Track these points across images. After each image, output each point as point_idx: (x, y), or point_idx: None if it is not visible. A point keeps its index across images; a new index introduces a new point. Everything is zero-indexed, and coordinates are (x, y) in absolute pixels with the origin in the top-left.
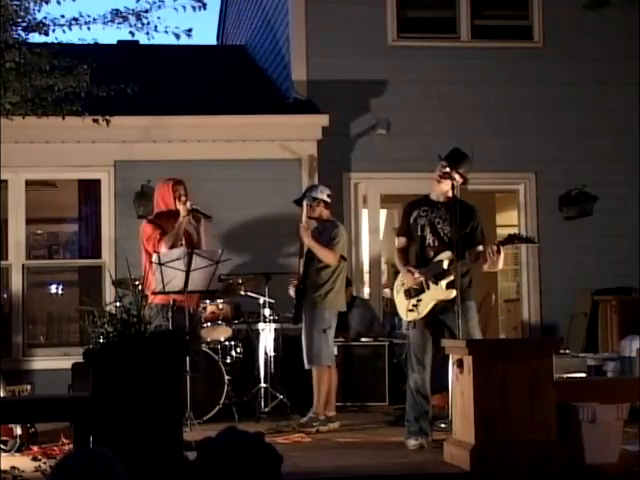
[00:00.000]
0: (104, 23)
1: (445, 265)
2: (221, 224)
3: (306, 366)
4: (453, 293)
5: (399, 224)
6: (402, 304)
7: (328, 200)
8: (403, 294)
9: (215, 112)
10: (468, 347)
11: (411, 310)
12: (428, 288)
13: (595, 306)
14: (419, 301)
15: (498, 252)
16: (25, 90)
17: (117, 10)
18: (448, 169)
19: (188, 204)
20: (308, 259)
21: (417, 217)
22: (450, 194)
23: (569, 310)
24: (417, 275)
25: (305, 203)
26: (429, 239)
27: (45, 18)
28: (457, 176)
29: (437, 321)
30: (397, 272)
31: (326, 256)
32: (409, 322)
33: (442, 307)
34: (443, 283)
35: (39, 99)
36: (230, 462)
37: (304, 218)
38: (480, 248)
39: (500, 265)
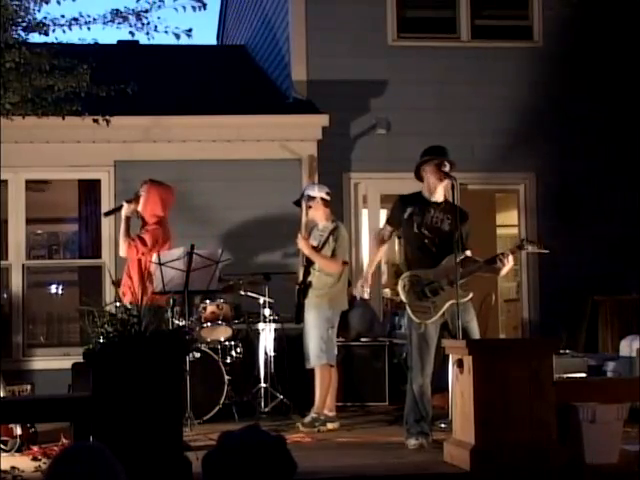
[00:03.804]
0: (104, 23)
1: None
2: (221, 224)
3: (308, 365)
4: (469, 295)
5: (390, 213)
6: (414, 305)
7: (327, 198)
8: (414, 295)
9: (215, 112)
10: (468, 347)
11: (426, 312)
12: (443, 290)
13: (595, 306)
14: (434, 303)
15: (508, 262)
16: (25, 90)
17: (117, 10)
18: (448, 167)
19: None
20: (309, 258)
21: (413, 214)
22: (449, 194)
23: (569, 310)
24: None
25: (303, 204)
26: (428, 238)
27: (45, 18)
28: (449, 165)
29: (444, 324)
30: (397, 272)
31: (328, 266)
32: (419, 324)
33: (451, 309)
34: None
35: (39, 99)
36: (247, 459)
37: (303, 220)
38: (468, 253)
39: (505, 272)
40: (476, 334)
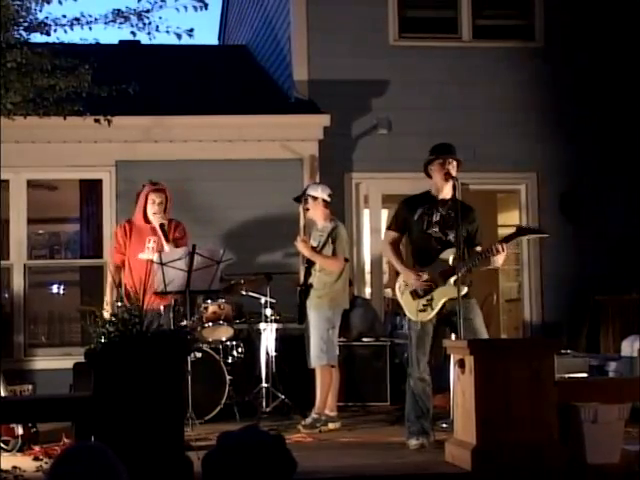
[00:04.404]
0: (105, 23)
1: (450, 262)
2: (222, 224)
3: (310, 366)
4: (464, 290)
5: (394, 218)
6: (410, 305)
7: (328, 199)
8: (409, 295)
9: (216, 112)
10: (470, 347)
11: (422, 310)
12: (437, 287)
13: (596, 306)
14: (429, 300)
15: (502, 250)
16: (27, 90)
17: (118, 10)
18: (454, 165)
19: (155, 218)
20: (310, 259)
21: (422, 214)
22: (453, 193)
23: (570, 310)
24: (425, 277)
25: (302, 204)
26: (436, 236)
27: (47, 18)
28: (455, 163)
29: (443, 320)
30: (398, 272)
31: (330, 265)
32: (415, 322)
33: (450, 305)
34: (452, 281)
35: (41, 99)
36: (246, 458)
37: (302, 221)
38: (478, 249)
39: (500, 262)
40: (481, 330)
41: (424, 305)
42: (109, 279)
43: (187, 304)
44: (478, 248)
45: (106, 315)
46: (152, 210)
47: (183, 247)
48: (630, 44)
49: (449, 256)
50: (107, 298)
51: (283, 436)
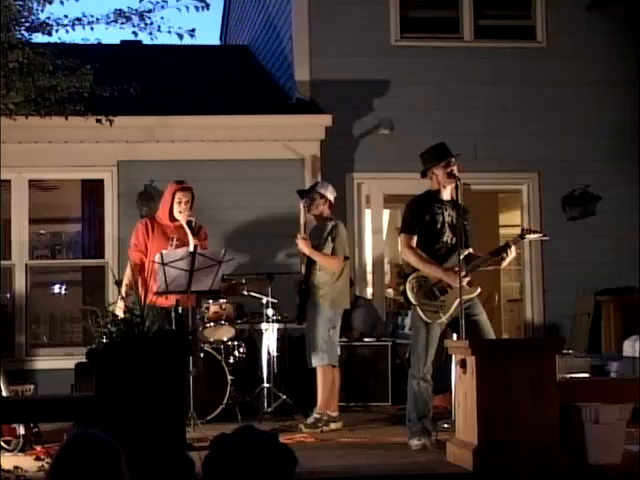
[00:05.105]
0: (107, 23)
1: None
2: (224, 224)
3: (310, 365)
4: (477, 290)
5: (410, 219)
6: (425, 305)
7: (332, 200)
8: (424, 294)
9: (218, 112)
10: (471, 347)
11: (437, 312)
12: (451, 288)
13: (598, 306)
14: (443, 302)
15: (514, 253)
16: (28, 90)
17: (120, 10)
18: (455, 164)
19: (182, 216)
20: (310, 258)
21: (435, 214)
22: (453, 193)
23: (572, 310)
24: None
25: (303, 202)
26: (446, 236)
27: (48, 18)
28: (456, 167)
29: (450, 321)
30: (400, 272)
31: (329, 263)
32: (428, 323)
33: (459, 306)
34: (465, 281)
35: (42, 99)
36: (241, 459)
37: (302, 219)
38: (471, 250)
39: (506, 264)
40: (488, 327)
41: (440, 306)
42: (126, 280)
43: (189, 304)
44: (470, 249)
45: (118, 311)
46: (179, 209)
47: (185, 247)
48: (630, 44)
49: (457, 258)
50: (124, 289)
51: (277, 434)
